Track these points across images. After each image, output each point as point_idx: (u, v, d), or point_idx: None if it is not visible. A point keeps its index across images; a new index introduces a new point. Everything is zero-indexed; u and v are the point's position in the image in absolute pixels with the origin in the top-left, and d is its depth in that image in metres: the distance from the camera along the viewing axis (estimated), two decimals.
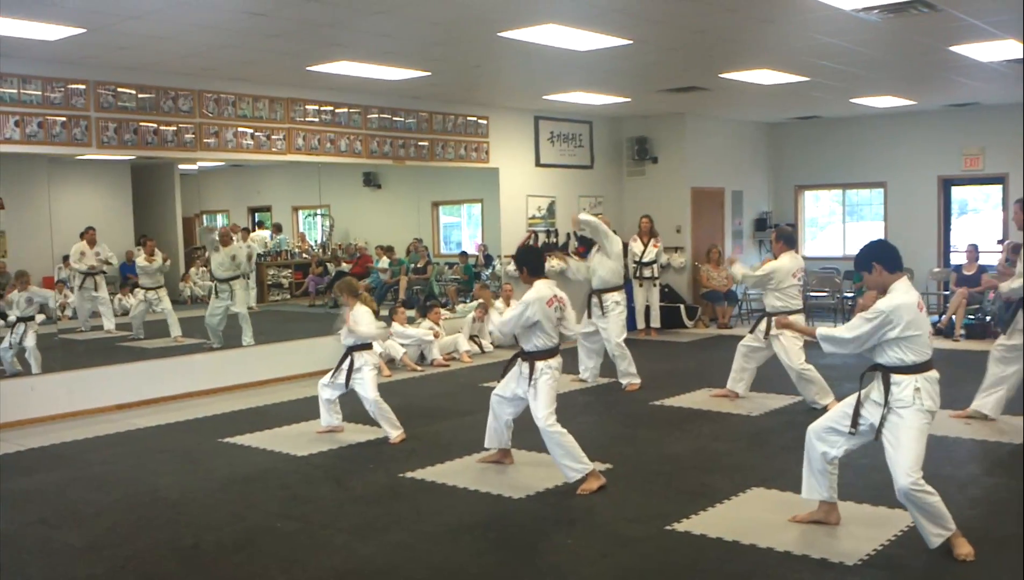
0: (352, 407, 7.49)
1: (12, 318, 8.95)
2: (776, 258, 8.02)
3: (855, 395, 4.68)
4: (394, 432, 7.15)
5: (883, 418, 4.49)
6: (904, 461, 4.36)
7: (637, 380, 9.07)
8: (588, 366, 9.36)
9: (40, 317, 11.25)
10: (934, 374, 4.52)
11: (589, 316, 9.04)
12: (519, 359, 6.00)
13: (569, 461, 5.72)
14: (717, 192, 14.99)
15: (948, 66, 10.10)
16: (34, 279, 9.41)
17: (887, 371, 4.49)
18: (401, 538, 5.01)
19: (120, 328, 11.76)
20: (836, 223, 16.18)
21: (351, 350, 7.20)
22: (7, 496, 6.02)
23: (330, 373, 7.33)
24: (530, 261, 6.05)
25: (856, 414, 4.62)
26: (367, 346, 7.25)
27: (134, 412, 8.65)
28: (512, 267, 6.11)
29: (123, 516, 5.55)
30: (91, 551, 4.99)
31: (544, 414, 5.72)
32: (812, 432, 4.84)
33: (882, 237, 4.07)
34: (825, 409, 7.79)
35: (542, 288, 5.86)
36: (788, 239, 8.15)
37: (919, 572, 4.38)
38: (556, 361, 5.88)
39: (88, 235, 10.34)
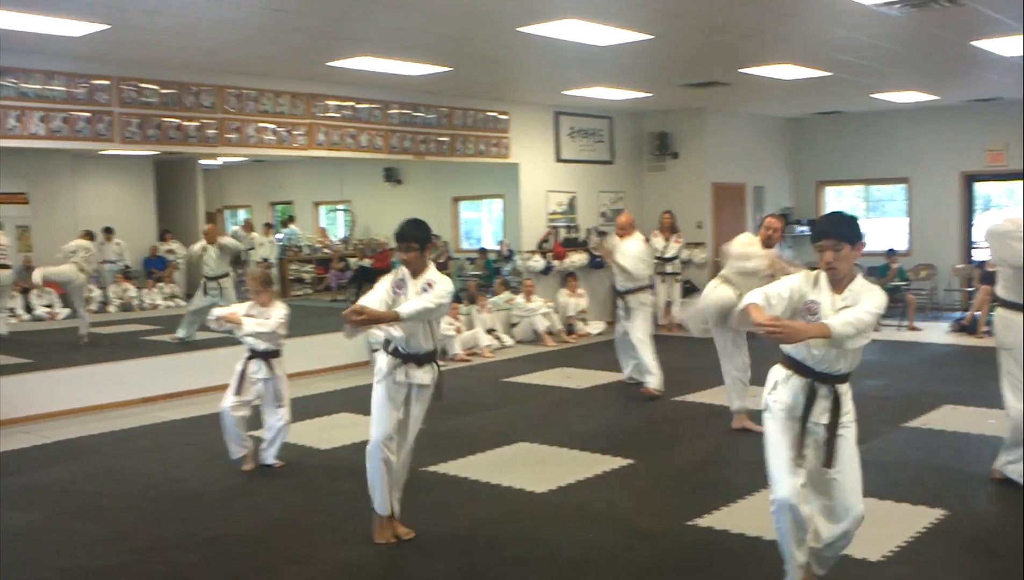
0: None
1: None
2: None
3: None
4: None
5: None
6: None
7: (655, 384, 8.79)
8: (628, 364, 9.25)
9: (64, 310, 11.33)
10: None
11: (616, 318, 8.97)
12: None
13: None
14: (738, 187, 14.93)
15: (970, 61, 10.01)
16: None
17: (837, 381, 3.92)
18: (422, 531, 5.03)
19: (146, 322, 11.86)
20: (859, 219, 16.07)
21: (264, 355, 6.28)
22: (29, 489, 6.09)
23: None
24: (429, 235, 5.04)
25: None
26: (274, 354, 6.32)
27: (159, 405, 8.71)
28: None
29: (145, 508, 5.60)
30: (112, 542, 5.03)
31: None
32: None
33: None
34: None
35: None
36: None
37: (944, 567, 4.35)
38: None
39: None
